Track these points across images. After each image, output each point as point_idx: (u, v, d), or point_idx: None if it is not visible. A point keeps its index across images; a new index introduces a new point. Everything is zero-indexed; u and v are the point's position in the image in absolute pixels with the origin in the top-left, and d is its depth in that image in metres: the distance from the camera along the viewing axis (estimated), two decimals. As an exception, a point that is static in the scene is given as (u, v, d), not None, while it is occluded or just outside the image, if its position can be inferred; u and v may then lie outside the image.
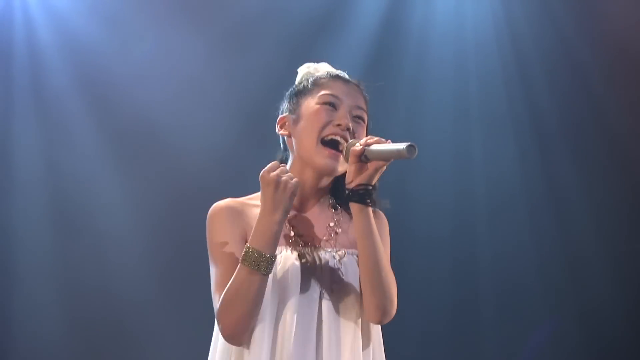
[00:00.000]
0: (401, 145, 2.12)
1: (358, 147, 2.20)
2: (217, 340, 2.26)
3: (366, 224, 2.21)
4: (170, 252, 4.57)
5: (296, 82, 2.41)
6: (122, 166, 4.64)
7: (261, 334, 2.17)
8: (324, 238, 2.30)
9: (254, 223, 2.19)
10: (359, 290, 2.25)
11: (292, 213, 2.28)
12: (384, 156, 2.17)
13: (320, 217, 2.33)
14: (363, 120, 2.32)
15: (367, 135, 2.27)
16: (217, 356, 2.24)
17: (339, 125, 2.27)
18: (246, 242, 2.18)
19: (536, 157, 4.62)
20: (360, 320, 2.25)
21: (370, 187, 2.21)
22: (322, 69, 2.40)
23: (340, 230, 2.32)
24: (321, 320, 2.21)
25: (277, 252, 2.18)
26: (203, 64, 4.61)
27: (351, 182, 2.21)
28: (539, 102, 4.62)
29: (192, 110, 4.62)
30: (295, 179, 2.17)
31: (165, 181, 4.61)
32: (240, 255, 2.17)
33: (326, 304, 2.22)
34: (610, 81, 4.53)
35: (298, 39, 4.54)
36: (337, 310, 2.22)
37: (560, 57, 4.58)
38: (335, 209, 2.36)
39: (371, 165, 2.20)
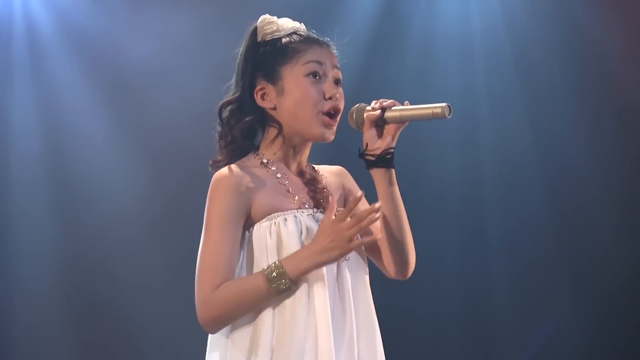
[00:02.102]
0: (436, 105, 2.13)
1: (373, 112, 2.21)
2: None
3: (394, 187, 2.24)
4: (161, 214, 4.56)
5: (259, 38, 2.30)
6: (118, 136, 4.65)
7: (300, 294, 2.15)
8: (323, 200, 2.28)
9: (257, 187, 2.19)
10: (363, 250, 2.27)
11: (288, 178, 2.27)
12: (412, 117, 2.17)
13: (311, 180, 2.31)
14: (341, 81, 2.30)
15: None
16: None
17: (330, 98, 2.25)
18: (247, 214, 2.18)
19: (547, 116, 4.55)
20: (368, 277, 2.27)
21: (393, 149, 2.23)
22: (285, 25, 2.31)
23: (327, 191, 2.31)
24: (341, 280, 2.20)
25: (290, 216, 2.19)
26: (196, 30, 4.61)
27: (376, 148, 2.22)
28: (546, 59, 4.57)
29: (183, 77, 4.61)
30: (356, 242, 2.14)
31: (159, 149, 4.62)
32: (237, 227, 2.16)
33: (344, 265, 2.22)
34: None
35: (295, 11, 4.52)
36: (351, 269, 2.23)
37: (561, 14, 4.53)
38: (316, 170, 2.35)
39: (392, 128, 2.21)
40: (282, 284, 2.11)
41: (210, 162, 2.29)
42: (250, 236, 2.20)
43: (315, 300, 2.14)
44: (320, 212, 2.23)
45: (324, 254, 2.11)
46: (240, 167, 2.23)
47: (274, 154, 2.28)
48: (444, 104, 2.13)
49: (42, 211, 4.62)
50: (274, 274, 2.11)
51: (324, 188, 2.29)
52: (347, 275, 2.21)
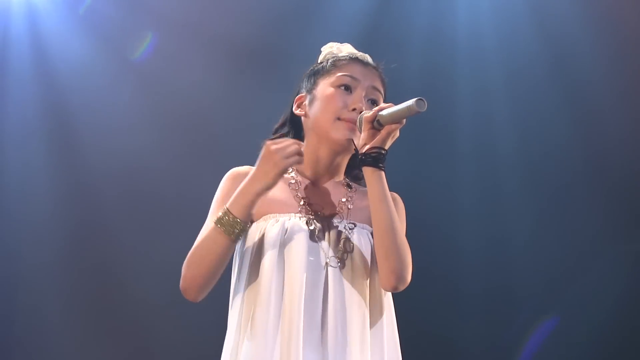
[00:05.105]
0: (410, 102, 2.16)
1: (370, 113, 2.25)
2: (232, 299, 2.29)
3: (380, 187, 2.24)
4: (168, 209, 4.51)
5: (318, 61, 2.45)
6: (126, 120, 4.59)
7: (267, 298, 2.18)
8: (335, 211, 2.32)
9: None
10: (369, 262, 2.27)
11: (304, 185, 2.34)
12: (396, 117, 2.21)
13: (333, 192, 2.36)
14: (377, 103, 2.35)
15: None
16: (230, 315, 2.28)
17: (354, 109, 2.31)
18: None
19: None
20: (368, 290, 2.25)
21: (384, 152, 2.24)
22: (345, 50, 2.43)
23: (352, 206, 2.34)
24: (327, 287, 2.21)
25: (286, 218, 2.25)
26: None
27: (364, 146, 2.25)
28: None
29: (183, 53, 4.57)
30: (294, 158, 2.18)
31: (162, 124, 4.54)
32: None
33: (332, 271, 2.22)
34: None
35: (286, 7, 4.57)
36: (344, 278, 2.22)
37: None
38: (350, 187, 2.39)
39: (384, 130, 2.23)
40: (229, 223, 2.16)
41: None
42: (246, 233, 2.26)
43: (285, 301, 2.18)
44: (320, 217, 2.28)
45: (260, 180, 2.17)
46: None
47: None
48: (415, 99, 2.15)
49: (44, 207, 4.57)
50: (219, 217, 2.17)
51: (344, 202, 2.33)
52: (342, 284, 2.21)
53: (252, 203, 2.17)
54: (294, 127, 2.44)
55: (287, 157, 2.16)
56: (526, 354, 4.37)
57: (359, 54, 2.42)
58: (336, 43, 2.46)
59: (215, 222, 2.17)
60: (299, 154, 2.18)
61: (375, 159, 2.23)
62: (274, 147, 2.17)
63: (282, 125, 2.45)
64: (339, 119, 2.30)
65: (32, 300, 4.49)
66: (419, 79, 4.25)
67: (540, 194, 4.44)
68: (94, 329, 4.46)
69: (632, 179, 4.36)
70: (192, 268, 2.18)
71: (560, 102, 4.44)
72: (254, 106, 4.26)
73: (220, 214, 2.18)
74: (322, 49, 2.46)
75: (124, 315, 4.46)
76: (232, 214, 2.16)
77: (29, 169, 4.56)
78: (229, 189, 2.26)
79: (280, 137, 2.41)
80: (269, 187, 2.18)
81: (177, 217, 4.36)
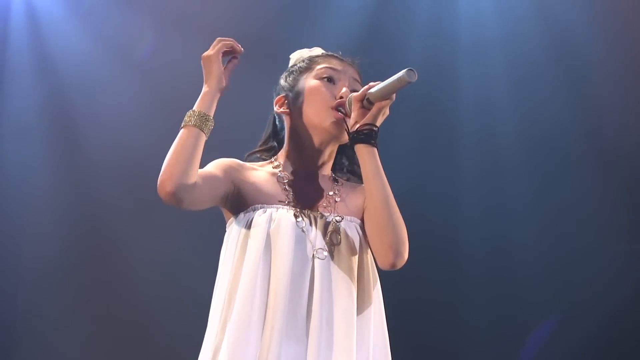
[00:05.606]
0: (400, 73, 2.17)
1: (358, 92, 2.28)
2: (216, 288, 2.28)
3: (373, 164, 2.24)
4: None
5: (289, 66, 2.48)
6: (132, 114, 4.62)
7: (252, 287, 2.17)
8: (323, 204, 2.32)
9: (246, 179, 2.29)
10: (357, 254, 2.25)
11: (292, 179, 2.34)
12: (387, 91, 2.21)
13: (321, 186, 2.36)
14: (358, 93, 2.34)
15: None
16: (213, 304, 2.27)
17: (341, 98, 2.33)
18: (228, 192, 2.27)
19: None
20: (356, 282, 2.23)
21: (375, 128, 2.24)
22: (315, 51, 2.47)
23: (339, 199, 2.33)
24: (313, 279, 2.19)
25: (274, 209, 2.25)
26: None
27: (355, 124, 2.25)
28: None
29: (183, 51, 4.58)
30: (220, 44, 2.29)
31: (163, 119, 4.49)
32: (217, 174, 2.25)
33: (319, 263, 2.21)
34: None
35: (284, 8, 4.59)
36: (331, 270, 2.21)
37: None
38: (337, 182, 2.39)
39: (375, 107, 2.24)
40: (196, 118, 2.19)
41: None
42: (234, 223, 2.28)
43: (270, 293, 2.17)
44: (307, 210, 2.27)
45: (209, 80, 2.25)
46: (247, 164, 2.37)
47: (287, 157, 2.38)
48: (405, 70, 2.16)
49: (46, 206, 4.60)
50: (188, 117, 2.21)
51: (331, 195, 2.33)
52: (329, 276, 2.20)
53: (213, 99, 2.24)
54: (279, 141, 2.47)
55: (214, 46, 2.28)
56: (535, 336, 4.38)
57: (333, 53, 2.46)
58: (305, 49, 2.49)
59: (183, 124, 2.21)
60: (223, 39, 2.30)
61: (367, 135, 2.24)
62: (204, 53, 2.29)
63: (266, 141, 2.50)
64: (329, 108, 2.32)
65: (31, 292, 4.52)
66: (421, 62, 4.25)
67: (539, 176, 4.45)
68: (93, 324, 4.49)
69: (630, 164, 4.35)
70: (166, 162, 2.16)
71: (560, 88, 4.45)
72: (253, 101, 4.26)
73: (186, 117, 2.22)
74: (290, 56, 2.50)
75: (123, 308, 4.47)
76: (195, 110, 2.22)
77: (29, 167, 4.58)
78: (219, 164, 2.31)
79: (266, 150, 2.48)
80: (219, 78, 2.26)
81: (177, 213, 4.33)
